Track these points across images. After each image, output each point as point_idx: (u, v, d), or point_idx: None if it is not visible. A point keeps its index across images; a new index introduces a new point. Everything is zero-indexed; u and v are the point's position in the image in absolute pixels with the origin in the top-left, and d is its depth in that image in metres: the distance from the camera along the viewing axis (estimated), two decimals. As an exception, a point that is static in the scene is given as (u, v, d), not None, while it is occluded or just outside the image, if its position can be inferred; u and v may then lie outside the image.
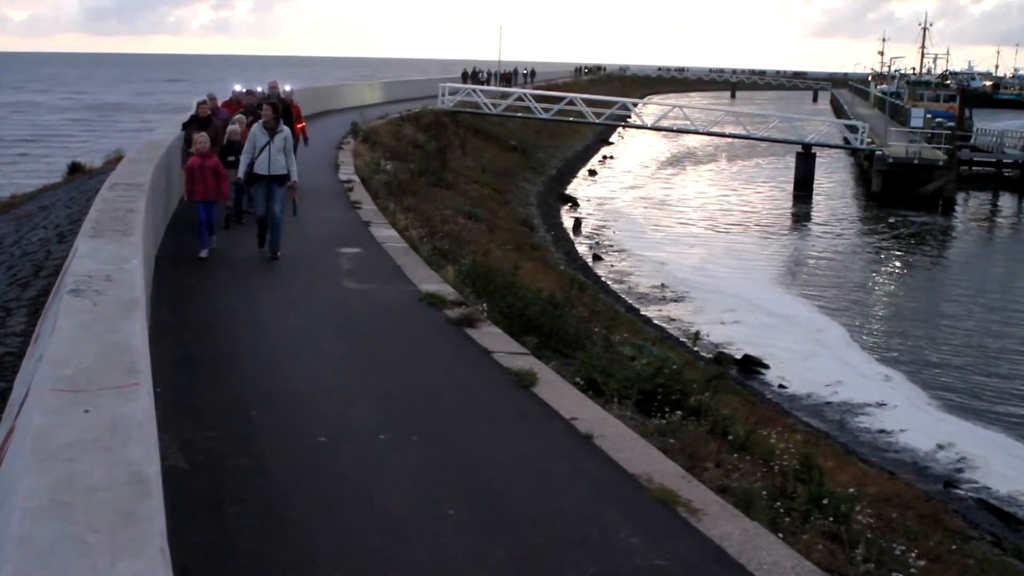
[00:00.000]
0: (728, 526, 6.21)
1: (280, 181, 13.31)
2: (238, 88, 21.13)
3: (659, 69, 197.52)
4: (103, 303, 4.86)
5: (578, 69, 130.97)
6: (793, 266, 31.14)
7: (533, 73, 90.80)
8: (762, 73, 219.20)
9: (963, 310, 25.79)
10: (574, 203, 40.34)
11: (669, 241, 34.22)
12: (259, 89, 20.54)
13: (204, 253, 13.17)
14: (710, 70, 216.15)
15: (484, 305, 11.56)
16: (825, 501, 7.39)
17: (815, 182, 46.19)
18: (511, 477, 6.80)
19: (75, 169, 27.44)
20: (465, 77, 66.01)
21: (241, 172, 13.41)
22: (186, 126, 15.51)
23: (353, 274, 12.75)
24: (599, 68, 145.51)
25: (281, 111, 14.58)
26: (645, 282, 26.89)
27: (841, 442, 14.94)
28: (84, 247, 6.62)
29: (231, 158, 14.18)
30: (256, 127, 13.44)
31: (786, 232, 37.85)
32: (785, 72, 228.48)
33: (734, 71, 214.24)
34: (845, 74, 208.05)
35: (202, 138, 13.30)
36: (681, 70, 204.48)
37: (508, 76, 78.17)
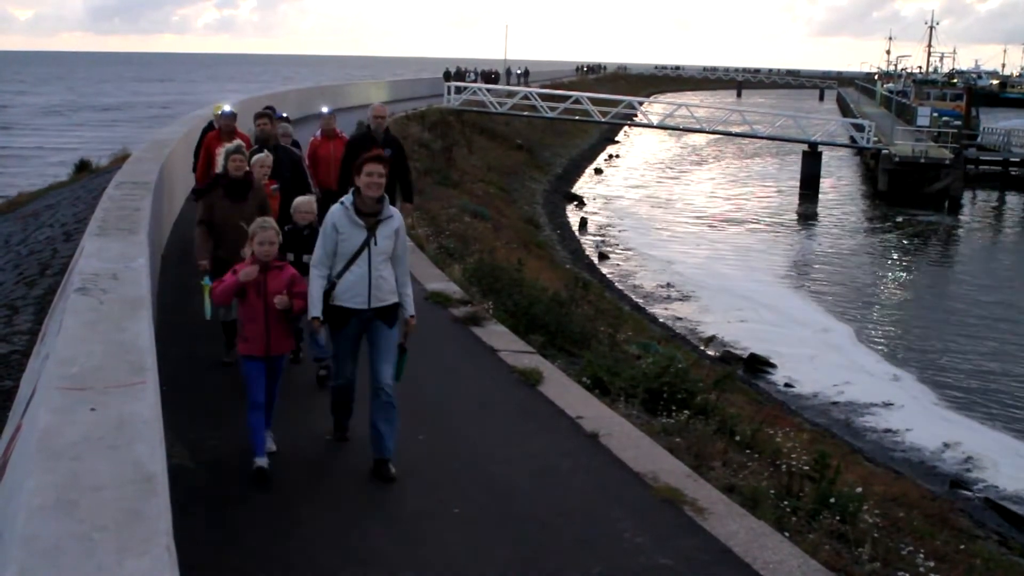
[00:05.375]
0: (734, 525, 6.21)
1: (389, 317, 6.76)
2: (325, 109, 13.30)
3: (655, 67, 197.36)
4: (109, 301, 4.87)
5: (579, 68, 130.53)
6: (799, 265, 31.08)
7: (526, 72, 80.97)
8: (756, 71, 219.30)
9: (970, 309, 25.71)
10: (580, 202, 40.33)
11: (675, 240, 34.19)
12: (325, 110, 13.23)
13: (263, 461, 6.60)
14: (704, 68, 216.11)
15: (490, 304, 11.56)
16: (832, 500, 7.37)
17: (821, 181, 46.11)
18: (517, 475, 6.80)
19: (82, 167, 27.49)
20: (448, 77, 60.31)
21: (315, 307, 6.60)
22: (203, 192, 9.08)
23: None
24: (600, 67, 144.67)
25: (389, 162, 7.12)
26: (651, 281, 26.86)
27: (848, 441, 14.92)
28: (90, 245, 6.63)
29: (288, 256, 7.51)
30: (339, 211, 6.60)
31: (792, 231, 37.78)
32: (780, 71, 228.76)
33: (727, 69, 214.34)
34: (839, 72, 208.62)
35: (267, 224, 6.79)
36: (676, 68, 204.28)
37: (494, 75, 72.11)
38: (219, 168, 8.33)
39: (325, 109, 13.15)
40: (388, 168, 6.63)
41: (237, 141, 8.95)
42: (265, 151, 9.52)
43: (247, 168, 8.57)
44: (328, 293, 6.58)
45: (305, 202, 8.22)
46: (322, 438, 7.30)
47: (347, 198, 6.60)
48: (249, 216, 7.69)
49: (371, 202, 6.52)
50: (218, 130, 12.60)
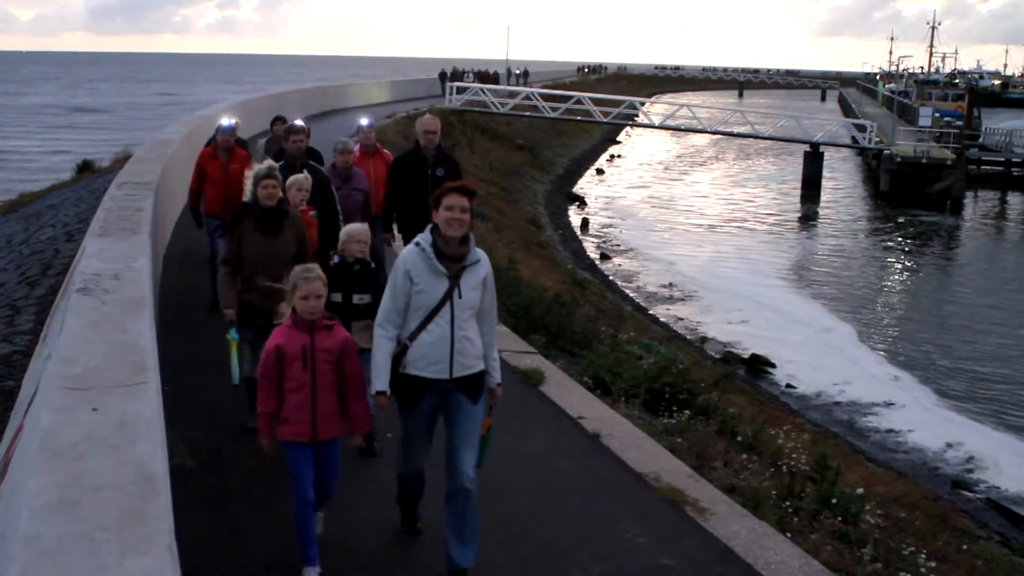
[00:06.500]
0: (736, 525, 6.21)
1: (473, 389, 5.39)
2: (365, 122, 11.29)
3: (655, 68, 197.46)
4: (111, 302, 4.88)
5: (580, 68, 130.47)
6: (801, 265, 31.08)
7: (526, 73, 79.53)
8: (756, 71, 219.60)
9: (972, 310, 25.71)
10: (582, 202, 40.35)
11: (677, 240, 34.19)
12: (366, 124, 11.20)
13: (313, 573, 5.26)
14: (703, 68, 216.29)
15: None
16: (834, 501, 7.38)
17: (823, 181, 46.12)
18: (518, 476, 6.80)
19: (84, 168, 27.52)
20: (444, 78, 60.14)
21: (380, 378, 5.24)
22: (228, 228, 7.26)
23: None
24: (601, 67, 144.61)
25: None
26: (653, 281, 26.87)
27: (849, 442, 14.91)
28: (92, 246, 6.64)
29: (335, 297, 6.25)
30: (414, 255, 5.22)
31: (794, 231, 37.79)
32: (779, 71, 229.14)
33: (726, 69, 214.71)
34: (839, 72, 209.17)
35: (312, 274, 5.26)
36: (676, 69, 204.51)
37: (493, 76, 70.89)
38: (247, 195, 7.04)
39: (364, 121, 11.34)
40: (474, 200, 5.24)
41: (268, 162, 7.31)
42: (305, 173, 8.04)
43: (281, 195, 7.06)
44: (397, 358, 5.23)
45: (359, 231, 6.67)
46: (387, 529, 5.94)
47: (424, 238, 5.20)
48: (285, 252, 6.77)
49: (454, 243, 5.17)
50: (214, 144, 11.03)
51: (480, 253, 5.32)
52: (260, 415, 5.26)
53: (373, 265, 6.65)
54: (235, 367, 6.97)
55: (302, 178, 7.78)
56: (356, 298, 6.45)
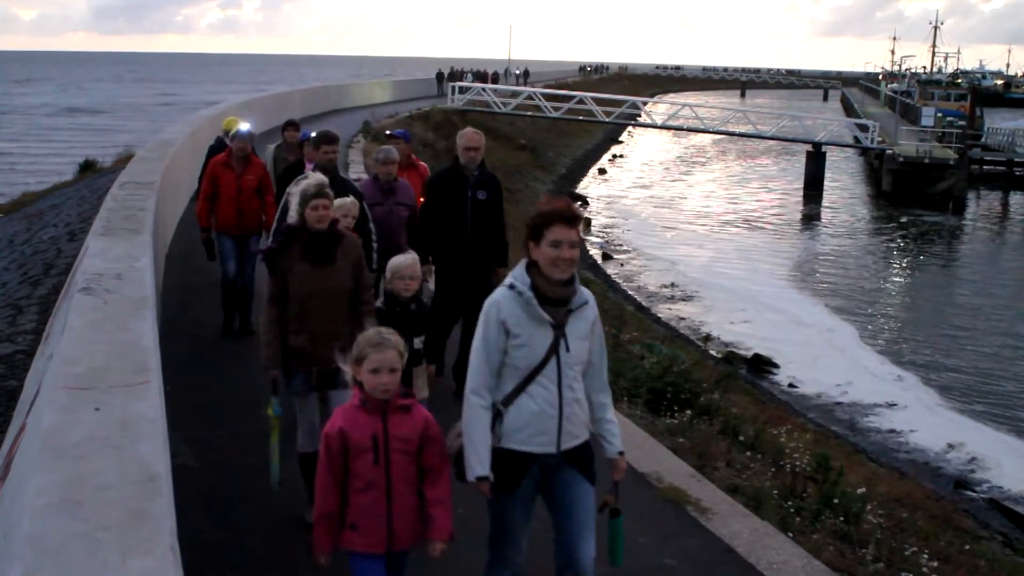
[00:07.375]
0: (738, 525, 6.21)
1: (583, 462, 4.42)
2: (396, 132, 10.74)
3: (656, 67, 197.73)
4: (113, 301, 4.87)
5: (582, 68, 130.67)
6: (803, 265, 31.06)
7: (526, 73, 78.99)
8: (757, 71, 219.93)
9: (974, 310, 25.68)
10: (584, 202, 40.32)
11: (679, 240, 34.17)
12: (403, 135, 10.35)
13: None
14: (704, 68, 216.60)
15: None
16: (836, 501, 7.37)
17: (825, 181, 46.11)
18: (520, 476, 6.78)
19: (86, 167, 27.56)
20: (441, 78, 60.78)
21: (481, 458, 4.17)
22: (273, 258, 5.77)
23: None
24: (604, 67, 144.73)
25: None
26: (655, 281, 26.85)
27: (851, 442, 14.90)
28: (94, 245, 6.64)
29: (416, 344, 5.85)
30: (509, 300, 4.15)
31: (796, 231, 37.77)
32: (780, 70, 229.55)
33: (727, 69, 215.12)
34: (839, 72, 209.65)
35: (387, 342, 4.05)
36: (678, 68, 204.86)
37: (493, 76, 70.68)
38: (292, 216, 5.93)
39: (397, 131, 10.53)
40: (582, 229, 4.05)
41: (319, 176, 6.05)
42: (351, 197, 6.88)
43: (333, 216, 5.75)
44: (494, 428, 4.21)
45: (408, 265, 5.80)
46: None
47: (519, 278, 4.16)
48: (340, 286, 5.62)
49: (558, 285, 4.13)
50: (227, 152, 9.88)
51: (586, 293, 4.26)
52: (318, 517, 4.08)
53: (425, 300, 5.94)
54: (275, 467, 5.75)
55: (349, 202, 6.61)
56: (416, 342, 5.71)
